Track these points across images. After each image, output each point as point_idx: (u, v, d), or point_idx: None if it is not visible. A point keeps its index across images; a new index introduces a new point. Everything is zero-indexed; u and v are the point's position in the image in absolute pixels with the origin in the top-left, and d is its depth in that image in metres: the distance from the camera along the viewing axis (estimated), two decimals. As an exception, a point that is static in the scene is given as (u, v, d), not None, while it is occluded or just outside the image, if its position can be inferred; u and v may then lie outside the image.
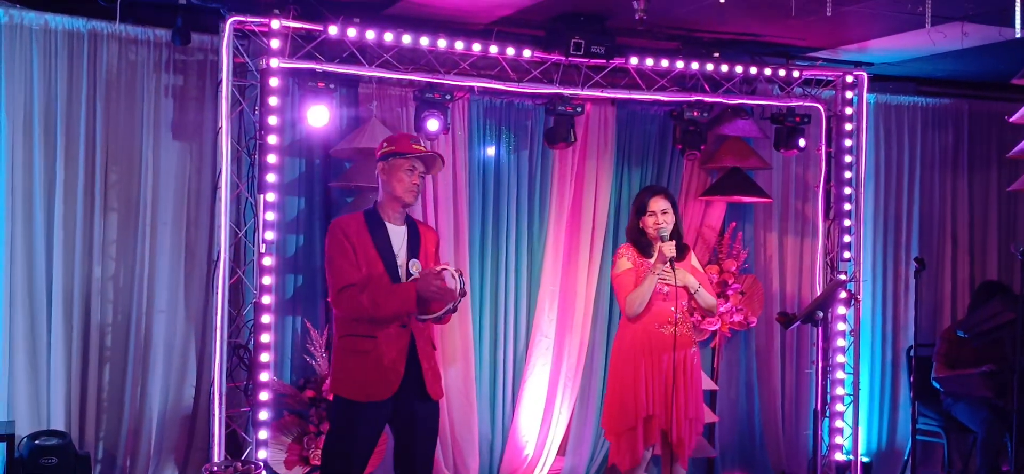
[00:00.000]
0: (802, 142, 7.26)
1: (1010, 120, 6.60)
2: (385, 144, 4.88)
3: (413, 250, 4.79)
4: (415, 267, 4.72)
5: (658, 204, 5.74)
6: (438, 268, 4.65)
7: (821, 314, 5.82)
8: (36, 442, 5.69)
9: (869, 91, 7.59)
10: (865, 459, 7.84)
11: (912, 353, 7.94)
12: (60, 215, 6.05)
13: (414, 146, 4.81)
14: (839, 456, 7.44)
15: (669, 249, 5.59)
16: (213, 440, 6.00)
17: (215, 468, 5.75)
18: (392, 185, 4.77)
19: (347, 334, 4.74)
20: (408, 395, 4.71)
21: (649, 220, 5.72)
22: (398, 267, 4.73)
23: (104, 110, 6.15)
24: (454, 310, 4.64)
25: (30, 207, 6.00)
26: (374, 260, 4.68)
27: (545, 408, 7.09)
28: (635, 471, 5.82)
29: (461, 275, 4.60)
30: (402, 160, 4.75)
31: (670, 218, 5.72)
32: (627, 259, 5.77)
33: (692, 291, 5.77)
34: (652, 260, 5.73)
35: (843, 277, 7.01)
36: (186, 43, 6.10)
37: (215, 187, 6.13)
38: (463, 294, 4.59)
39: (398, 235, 4.80)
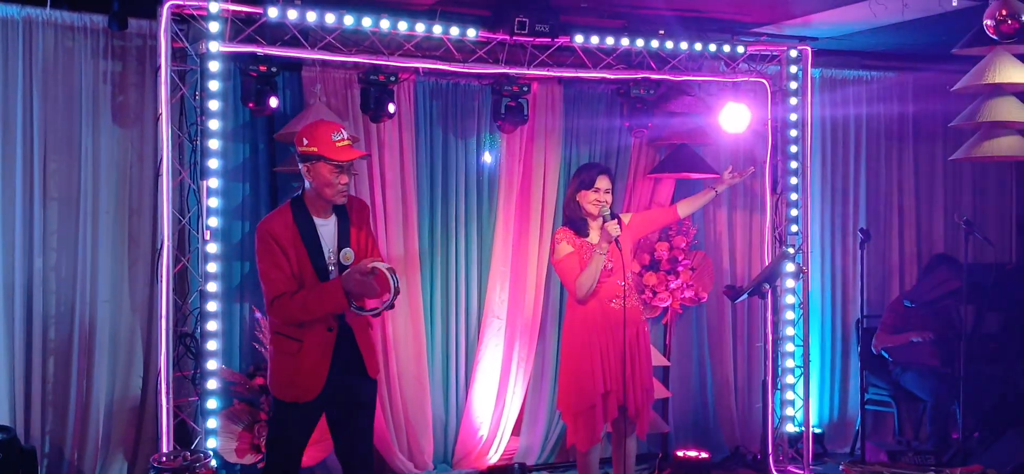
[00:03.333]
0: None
1: (952, 90, 6.66)
2: (305, 140, 4.63)
3: (344, 238, 4.69)
4: (347, 257, 4.61)
5: (604, 182, 5.74)
6: (369, 264, 4.50)
7: (767, 287, 5.85)
8: (-20, 438, 5.60)
9: (814, 66, 7.62)
10: (817, 430, 7.91)
11: (862, 324, 8.03)
12: (-1, 206, 5.95)
13: (338, 145, 4.58)
14: (791, 428, 7.50)
15: (614, 228, 5.60)
16: (161, 430, 5.92)
17: (163, 459, 5.66)
18: (319, 187, 4.61)
19: (276, 333, 4.72)
20: (343, 380, 4.69)
21: (592, 196, 5.71)
22: (328, 264, 4.64)
23: (41, 98, 6.04)
24: (390, 307, 4.58)
25: (-32, 199, 5.89)
26: (304, 261, 4.60)
27: (499, 389, 7.08)
28: (593, 449, 5.84)
29: (394, 272, 4.52)
30: (326, 165, 4.57)
31: (610, 199, 5.73)
32: (567, 242, 5.75)
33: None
34: (589, 239, 5.73)
35: (789, 250, 7.04)
36: (123, 28, 6.00)
37: (157, 174, 6.03)
38: (397, 292, 4.50)
39: (327, 227, 4.69)
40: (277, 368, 4.73)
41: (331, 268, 4.64)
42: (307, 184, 4.67)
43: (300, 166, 4.67)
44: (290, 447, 4.76)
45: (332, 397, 4.71)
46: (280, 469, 4.75)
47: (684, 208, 6.18)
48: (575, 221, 5.78)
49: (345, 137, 4.65)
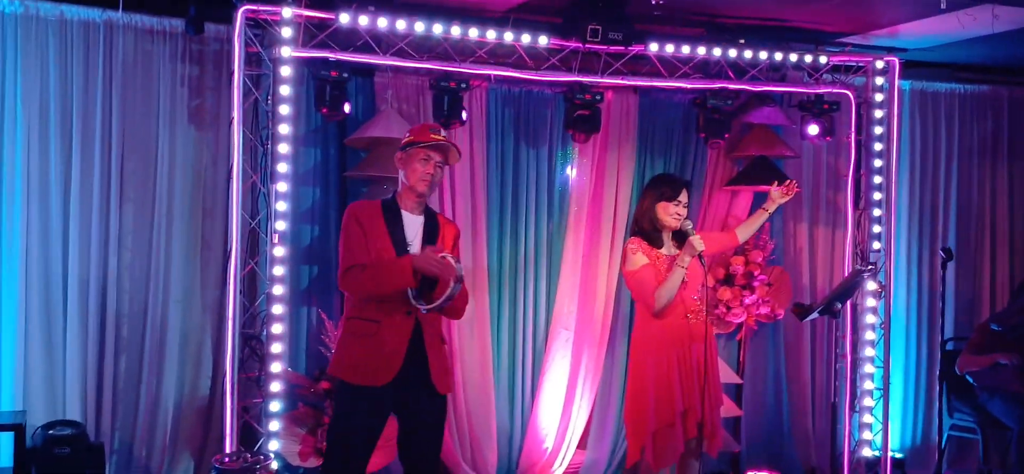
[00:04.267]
0: (814, 129, 7.08)
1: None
2: (408, 134, 4.85)
3: (430, 240, 4.72)
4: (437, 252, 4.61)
5: (685, 196, 5.60)
6: (440, 253, 4.56)
7: (839, 306, 5.65)
8: (49, 432, 5.72)
9: (903, 77, 7.40)
10: (898, 455, 7.66)
11: (945, 347, 7.76)
12: (76, 205, 6.09)
13: (432, 136, 4.73)
14: (868, 452, 7.27)
15: (699, 242, 5.43)
16: (226, 431, 6.01)
17: (226, 459, 5.74)
18: (407, 174, 4.74)
19: (352, 317, 4.72)
20: (412, 386, 4.64)
21: (673, 208, 5.55)
22: (408, 252, 4.66)
23: (120, 101, 6.18)
24: (452, 297, 4.52)
25: (46, 197, 6.04)
26: (385, 245, 4.64)
27: (565, 402, 7.00)
28: (667, 469, 5.70)
29: (458, 262, 4.53)
30: (417, 150, 4.70)
31: (686, 213, 5.61)
32: (642, 254, 5.59)
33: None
34: (663, 251, 5.59)
35: (862, 267, 6.83)
36: (199, 32, 6.10)
37: (229, 177, 6.11)
38: (460, 279, 4.50)
39: (413, 224, 4.75)
40: (349, 351, 4.67)
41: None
42: (399, 183, 4.79)
43: (396, 159, 4.80)
44: (358, 431, 4.63)
45: (403, 400, 4.66)
46: (343, 453, 4.65)
47: (743, 232, 6.00)
48: (648, 232, 5.63)
49: (443, 134, 4.77)
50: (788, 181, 5.80)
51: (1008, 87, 8.17)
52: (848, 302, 6.99)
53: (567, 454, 7.03)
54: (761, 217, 6.00)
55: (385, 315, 4.60)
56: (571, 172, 7.04)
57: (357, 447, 4.67)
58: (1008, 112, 8.19)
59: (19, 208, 5.98)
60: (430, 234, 4.76)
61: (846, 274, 7.22)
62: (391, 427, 5.09)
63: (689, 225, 5.51)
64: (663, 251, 5.58)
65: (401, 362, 4.59)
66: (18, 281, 5.98)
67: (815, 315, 5.79)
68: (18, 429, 5.57)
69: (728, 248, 6.10)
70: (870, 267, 7.00)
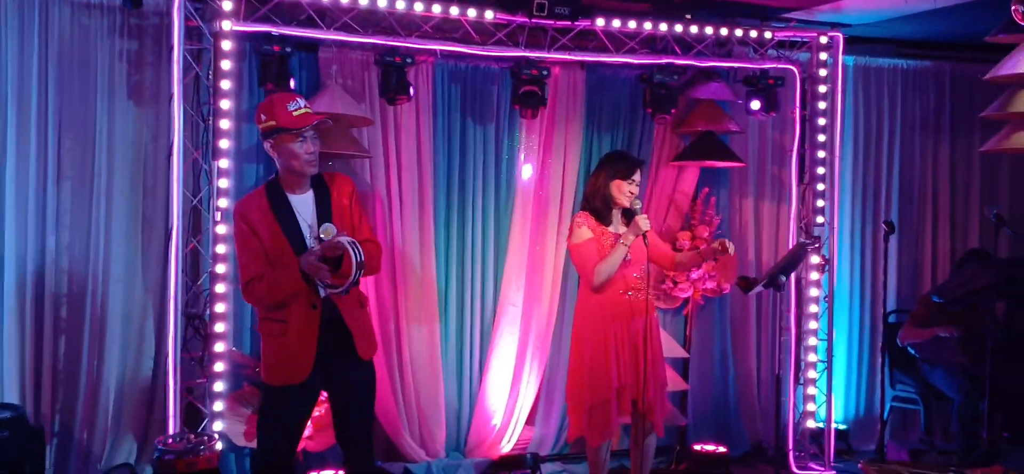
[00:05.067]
0: (756, 104, 7.11)
1: (983, 79, 6.45)
2: (262, 116, 4.56)
3: (324, 213, 4.58)
4: (327, 232, 4.43)
5: (638, 175, 5.62)
6: (331, 241, 4.39)
7: (783, 279, 5.68)
8: (-13, 415, 5.61)
9: (847, 53, 7.45)
10: (842, 426, 7.76)
11: (888, 320, 7.85)
12: (12, 183, 5.94)
13: (294, 115, 4.50)
14: (812, 423, 7.35)
15: (645, 222, 5.46)
16: (169, 412, 5.92)
17: (169, 440, 5.66)
18: (287, 161, 4.54)
19: (262, 318, 4.66)
20: (337, 361, 4.60)
21: (627, 187, 5.57)
22: (306, 239, 4.54)
23: (57, 76, 6.02)
24: (356, 281, 4.42)
25: (-20, 175, 5.89)
26: (280, 240, 4.51)
27: (513, 378, 6.99)
28: (604, 444, 5.72)
29: (356, 245, 4.38)
30: (287, 135, 4.50)
31: (638, 191, 5.62)
32: (586, 228, 5.61)
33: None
34: (610, 228, 5.61)
35: (805, 240, 6.88)
36: (138, 7, 5.98)
37: (170, 154, 6.00)
38: (361, 266, 4.37)
39: (304, 204, 4.60)
40: (266, 353, 4.66)
41: (311, 242, 4.53)
42: (278, 166, 4.60)
43: (264, 145, 4.60)
44: (282, 433, 4.63)
45: (326, 379, 4.64)
46: (271, 455, 4.64)
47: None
48: (598, 209, 5.64)
49: (302, 106, 4.55)
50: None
51: (950, 63, 8.24)
52: (792, 275, 7.05)
53: (515, 430, 7.02)
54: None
55: (290, 314, 4.53)
56: (518, 148, 6.99)
57: (285, 442, 4.66)
58: (950, 87, 8.27)
59: (-47, 186, 5.83)
60: (323, 206, 4.61)
61: (790, 248, 7.26)
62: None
63: (638, 204, 5.57)
64: (610, 228, 5.61)
65: (313, 358, 4.55)
66: (-47, 261, 5.84)
67: (760, 288, 5.81)
68: (-45, 413, 5.44)
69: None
70: (814, 241, 7.05)
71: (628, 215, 5.62)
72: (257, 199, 4.60)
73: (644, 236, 5.48)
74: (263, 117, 4.56)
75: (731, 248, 5.59)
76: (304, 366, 4.54)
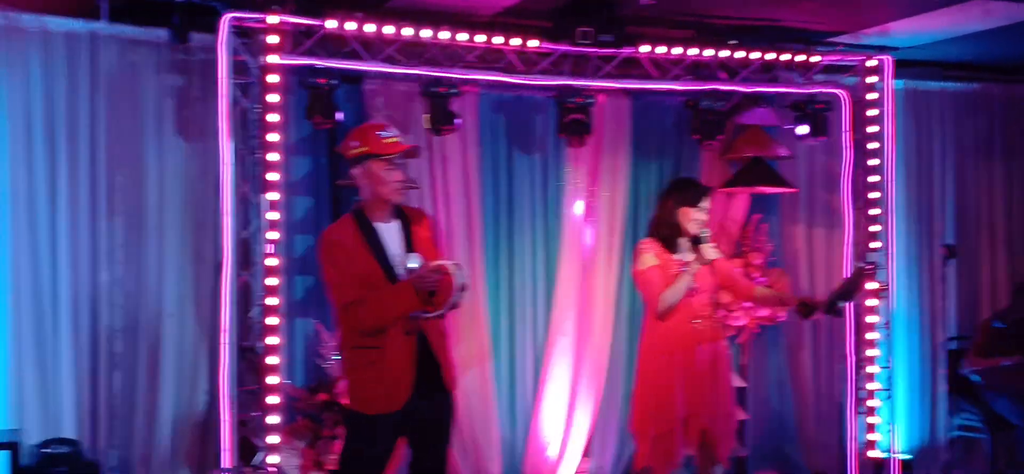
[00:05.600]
0: (803, 129, 7.06)
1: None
2: (353, 142, 4.54)
3: (409, 243, 4.53)
4: (414, 261, 4.39)
5: (707, 203, 5.51)
6: (436, 263, 4.39)
7: (842, 304, 5.57)
8: (45, 451, 5.66)
9: (896, 77, 7.37)
10: (905, 456, 7.56)
11: (949, 345, 7.70)
12: (64, 219, 6.02)
13: (386, 142, 4.48)
14: (874, 453, 7.17)
15: (711, 251, 5.36)
16: (223, 446, 5.91)
17: None
18: (375, 188, 4.48)
19: (354, 346, 4.51)
20: (425, 393, 4.48)
21: (694, 214, 5.46)
22: (394, 268, 4.47)
23: (106, 112, 6.12)
24: (455, 306, 4.42)
25: (33, 212, 5.96)
26: (371, 267, 4.44)
27: (568, 408, 6.93)
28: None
29: (460, 268, 4.40)
30: (378, 161, 4.46)
31: (707, 219, 5.53)
32: (652, 255, 5.51)
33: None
34: (677, 256, 5.51)
35: (864, 265, 6.77)
36: (184, 42, 6.05)
37: (219, 188, 6.05)
38: (464, 288, 4.38)
39: (391, 232, 4.53)
40: (359, 381, 4.51)
41: (399, 272, 4.46)
42: (365, 193, 4.54)
43: (353, 172, 4.57)
44: (372, 464, 4.49)
45: (415, 411, 4.49)
46: None
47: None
48: (665, 235, 5.54)
49: (394, 134, 4.54)
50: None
51: (998, 85, 8.15)
52: (849, 302, 6.93)
53: (571, 462, 6.92)
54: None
55: (386, 341, 4.41)
56: (565, 177, 6.98)
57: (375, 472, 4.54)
58: (1000, 109, 8.17)
59: (5, 223, 5.90)
60: (408, 236, 4.55)
61: (847, 273, 7.15)
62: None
63: (706, 233, 5.43)
64: (677, 256, 5.49)
65: (412, 384, 4.43)
66: (8, 297, 5.90)
67: (818, 314, 5.70)
68: (13, 447, 5.49)
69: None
70: (870, 266, 6.94)
71: (696, 243, 5.51)
72: (346, 226, 4.53)
73: (710, 265, 5.39)
74: (355, 144, 4.54)
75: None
76: (402, 392, 4.41)
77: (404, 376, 4.41)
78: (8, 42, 5.90)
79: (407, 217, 4.62)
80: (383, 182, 4.47)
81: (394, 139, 4.51)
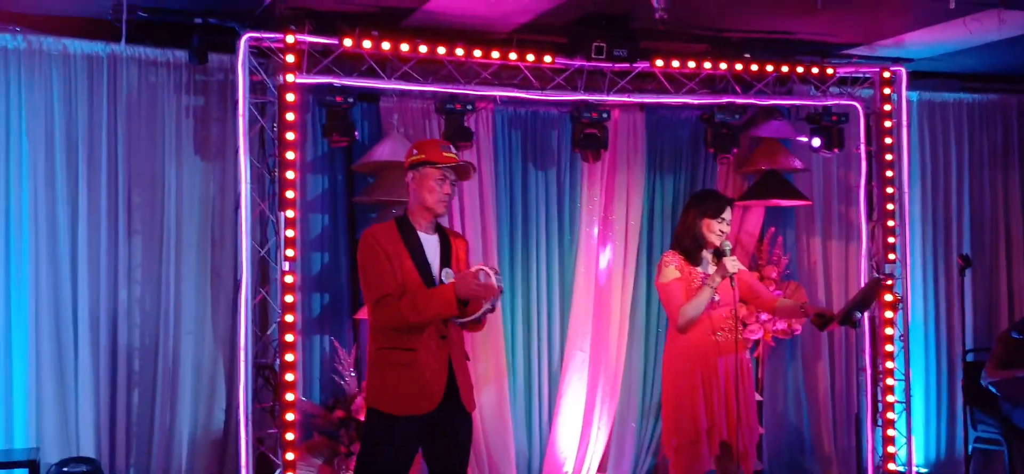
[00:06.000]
0: (816, 142, 7.08)
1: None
2: (415, 150, 4.67)
3: (445, 259, 4.61)
4: (447, 276, 4.50)
5: (729, 214, 5.50)
6: (475, 268, 4.41)
7: (858, 315, 5.54)
8: (64, 469, 5.68)
9: (911, 89, 7.39)
10: (923, 469, 7.55)
11: (966, 358, 7.66)
12: (84, 238, 6.08)
13: (445, 154, 4.60)
14: (892, 466, 7.15)
15: (733, 264, 5.34)
16: (241, 463, 5.94)
17: (241, 489, 5.67)
18: (423, 195, 4.58)
19: (384, 347, 4.54)
20: (446, 408, 4.52)
21: (717, 226, 5.45)
22: (434, 275, 4.55)
23: (125, 133, 6.19)
24: (492, 310, 4.46)
25: (54, 230, 6.04)
26: (409, 270, 4.50)
27: (583, 424, 6.93)
28: None
29: (497, 273, 4.40)
30: (433, 170, 4.56)
31: (729, 231, 5.53)
32: (675, 267, 5.49)
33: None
34: (699, 268, 5.50)
35: (880, 276, 6.75)
36: (203, 62, 6.12)
37: (237, 207, 6.09)
38: (501, 290, 4.40)
39: (431, 243, 4.61)
40: (387, 381, 4.52)
41: (436, 281, 4.53)
42: (411, 202, 4.64)
43: (408, 176, 4.64)
44: (389, 465, 4.49)
45: (435, 423, 4.53)
46: None
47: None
48: (688, 248, 5.54)
49: (453, 151, 4.66)
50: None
51: (1017, 95, 8.13)
52: (865, 313, 6.93)
53: (588, 476, 6.94)
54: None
55: (421, 342, 4.46)
56: (580, 191, 6.99)
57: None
58: (1017, 120, 8.15)
59: (27, 242, 5.98)
60: (445, 252, 4.64)
61: (863, 284, 7.14)
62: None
63: (728, 246, 5.43)
64: (699, 269, 5.48)
65: (443, 388, 4.48)
66: (28, 315, 5.97)
67: (834, 325, 5.68)
68: (33, 466, 5.52)
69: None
70: (887, 276, 6.93)
71: (718, 255, 5.50)
72: (388, 230, 4.61)
73: (731, 278, 5.38)
74: (415, 151, 4.65)
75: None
76: (434, 396, 4.46)
77: (436, 381, 4.46)
78: (30, 64, 5.99)
79: (447, 236, 4.71)
80: (431, 191, 4.56)
81: (452, 154, 4.63)
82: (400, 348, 4.48)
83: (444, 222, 5.88)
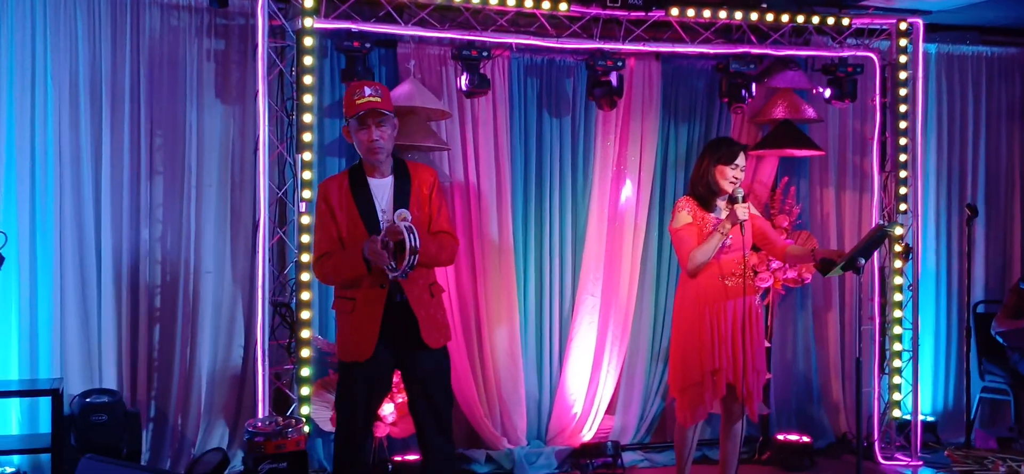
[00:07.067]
0: (828, 92, 7.12)
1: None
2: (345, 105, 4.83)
3: (402, 199, 4.73)
4: (403, 218, 4.58)
5: (743, 159, 5.61)
6: (392, 224, 4.56)
7: (862, 261, 5.61)
8: (87, 400, 5.86)
9: (929, 41, 7.39)
10: (929, 418, 7.64)
11: (976, 309, 7.73)
12: (107, 179, 6.22)
13: (357, 102, 4.67)
14: (898, 414, 7.26)
15: (743, 211, 5.47)
16: (258, 397, 6.11)
17: (258, 423, 5.83)
18: (356, 146, 4.77)
19: (337, 296, 4.86)
20: (404, 347, 4.75)
21: (730, 172, 5.55)
22: (381, 223, 4.68)
23: (148, 76, 6.30)
24: (412, 265, 4.52)
25: (78, 171, 6.18)
26: (356, 221, 4.71)
27: (593, 367, 7.04)
28: (695, 427, 5.74)
29: (413, 230, 4.50)
30: (352, 121, 4.72)
31: (743, 177, 5.63)
32: (688, 212, 5.61)
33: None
34: (713, 214, 5.61)
35: (885, 223, 6.80)
36: (223, 6, 6.20)
37: (256, 149, 6.21)
38: (415, 251, 4.48)
39: (381, 189, 4.75)
40: (338, 329, 4.88)
41: (384, 225, 4.68)
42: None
43: (343, 132, 4.88)
44: (353, 407, 4.78)
45: (396, 363, 4.80)
46: (344, 429, 4.82)
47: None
48: (702, 195, 5.65)
49: (367, 95, 4.68)
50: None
51: (1034, 49, 8.12)
52: (873, 261, 7.01)
53: (596, 419, 7.06)
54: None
55: (359, 292, 4.71)
56: (595, 139, 7.06)
57: (356, 419, 4.81)
58: (1034, 74, 8.15)
59: (52, 183, 6.12)
60: (402, 192, 4.75)
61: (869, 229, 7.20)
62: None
63: (741, 193, 5.54)
64: (712, 215, 5.61)
65: (376, 336, 4.69)
66: (53, 253, 6.13)
67: (838, 271, 5.77)
68: (55, 395, 5.69)
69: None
70: (892, 223, 6.98)
71: (732, 202, 5.61)
72: (339, 180, 4.81)
73: (742, 225, 5.49)
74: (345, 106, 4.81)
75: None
76: (367, 343, 4.70)
77: (370, 327, 4.69)
78: (55, 9, 6.09)
79: (408, 174, 4.81)
80: (358, 142, 4.73)
81: (365, 99, 4.68)
82: (344, 297, 4.79)
83: (457, 174, 6.06)
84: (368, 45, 6.18)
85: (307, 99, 6.09)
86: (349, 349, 4.77)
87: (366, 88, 4.73)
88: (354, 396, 4.79)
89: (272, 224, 6.21)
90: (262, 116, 6.09)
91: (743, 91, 6.87)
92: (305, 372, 6.15)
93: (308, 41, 6.08)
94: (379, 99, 4.69)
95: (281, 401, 6.26)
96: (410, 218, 4.58)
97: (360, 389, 4.79)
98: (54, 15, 6.08)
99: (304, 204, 6.10)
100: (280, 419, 5.90)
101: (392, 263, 4.55)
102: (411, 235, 4.50)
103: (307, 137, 6.10)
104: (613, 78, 6.63)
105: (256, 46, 6.11)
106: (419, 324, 4.72)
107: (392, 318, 4.70)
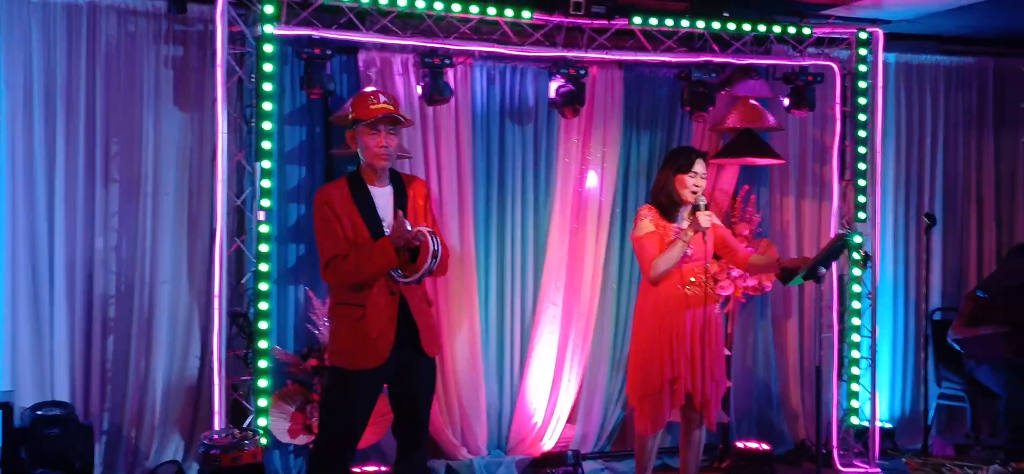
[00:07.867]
0: (786, 101, 7.13)
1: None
2: (350, 110, 4.82)
3: (400, 208, 4.73)
4: (401, 221, 4.60)
5: (701, 166, 5.62)
6: (415, 229, 4.59)
7: (823, 270, 5.64)
8: (38, 413, 5.74)
9: (888, 50, 7.42)
10: (887, 424, 7.71)
11: (933, 316, 7.80)
12: (62, 186, 6.10)
13: (372, 107, 4.69)
14: (856, 421, 7.30)
15: (706, 219, 5.48)
16: (214, 408, 6.02)
17: (215, 436, 5.75)
18: (362, 151, 4.74)
19: (338, 302, 4.77)
20: (404, 354, 4.71)
21: (689, 181, 5.56)
22: (384, 230, 4.68)
23: (104, 82, 6.18)
24: (430, 271, 4.59)
25: (31, 178, 6.05)
26: (359, 227, 4.67)
27: (554, 376, 7.01)
28: (655, 436, 5.74)
29: (435, 235, 4.58)
30: (363, 127, 4.70)
31: (704, 184, 5.62)
32: (650, 221, 5.62)
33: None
34: (675, 223, 5.62)
35: (845, 231, 6.85)
36: (182, 12, 6.11)
37: (214, 157, 6.12)
38: (436, 255, 4.54)
39: (382, 196, 4.76)
40: (341, 336, 4.73)
41: (388, 232, 4.66)
42: (359, 154, 4.77)
43: (347, 136, 4.81)
44: (352, 417, 4.71)
45: (396, 370, 4.72)
46: (339, 440, 4.71)
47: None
48: (664, 203, 5.65)
49: (382, 101, 4.72)
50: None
51: (994, 58, 8.19)
52: (833, 269, 7.04)
53: (557, 428, 7.04)
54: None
55: (369, 298, 4.64)
56: (556, 147, 7.02)
57: (347, 427, 4.73)
58: (993, 83, 8.22)
59: (4, 189, 5.99)
60: (400, 201, 4.77)
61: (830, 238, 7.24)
62: (382, 402, 5.15)
63: (703, 202, 5.55)
64: (674, 224, 5.61)
65: (390, 344, 4.64)
66: (4, 261, 6.00)
67: (799, 280, 5.79)
68: (6, 407, 5.58)
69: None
70: (855, 233, 7.02)
71: (694, 210, 5.61)
72: (339, 187, 4.76)
73: (704, 233, 5.50)
74: (350, 112, 4.78)
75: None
76: (382, 352, 4.63)
77: (385, 335, 4.64)
78: (9, 13, 5.96)
79: (403, 184, 4.83)
80: (367, 146, 4.70)
81: (381, 105, 4.70)
82: (351, 304, 4.69)
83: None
84: (329, 52, 6.10)
85: (267, 106, 6.01)
86: (357, 357, 4.66)
87: (380, 96, 4.76)
88: (354, 404, 4.69)
89: (230, 233, 6.12)
90: (221, 123, 5.99)
91: (705, 100, 6.87)
92: (263, 383, 6.07)
93: (268, 48, 5.99)
94: (394, 107, 4.73)
95: (238, 413, 6.17)
96: (409, 223, 4.60)
97: (360, 398, 4.70)
98: (8, 20, 5.95)
99: (263, 213, 6.02)
100: (237, 431, 5.82)
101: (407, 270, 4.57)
102: (433, 239, 4.54)
103: (267, 145, 6.01)
104: (572, 85, 6.61)
105: (215, 53, 6.00)
106: (420, 332, 4.71)
107: (399, 329, 4.67)
